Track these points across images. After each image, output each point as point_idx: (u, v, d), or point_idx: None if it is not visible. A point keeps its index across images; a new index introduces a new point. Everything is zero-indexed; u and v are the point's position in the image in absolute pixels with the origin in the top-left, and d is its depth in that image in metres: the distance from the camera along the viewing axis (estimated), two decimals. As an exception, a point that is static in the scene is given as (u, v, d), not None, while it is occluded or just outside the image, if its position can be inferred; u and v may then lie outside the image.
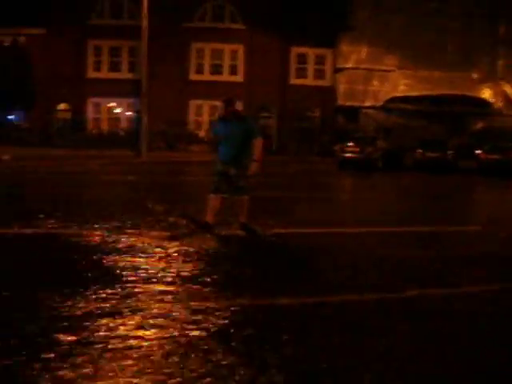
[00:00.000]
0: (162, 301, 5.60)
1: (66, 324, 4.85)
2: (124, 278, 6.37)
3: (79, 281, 6.20)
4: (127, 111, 46.22)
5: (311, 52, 47.27)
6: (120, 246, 8.10)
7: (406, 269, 7.55)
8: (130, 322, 4.96)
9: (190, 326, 4.90)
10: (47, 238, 8.74)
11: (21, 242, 8.57)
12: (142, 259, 7.32)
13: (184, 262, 7.31)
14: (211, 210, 9.49)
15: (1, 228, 9.35)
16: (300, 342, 4.70)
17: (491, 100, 48.59)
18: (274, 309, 5.63)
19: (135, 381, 3.83)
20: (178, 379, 3.88)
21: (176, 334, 4.74)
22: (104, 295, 5.69)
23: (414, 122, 44.75)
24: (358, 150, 31.07)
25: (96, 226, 9.62)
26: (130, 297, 5.70)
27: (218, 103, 10.04)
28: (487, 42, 46.56)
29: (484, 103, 48.28)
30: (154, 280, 6.34)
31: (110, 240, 8.48)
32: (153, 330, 4.79)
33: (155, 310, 5.30)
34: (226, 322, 5.09)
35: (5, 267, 6.88)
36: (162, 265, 7.06)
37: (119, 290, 5.91)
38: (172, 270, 6.80)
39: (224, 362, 4.17)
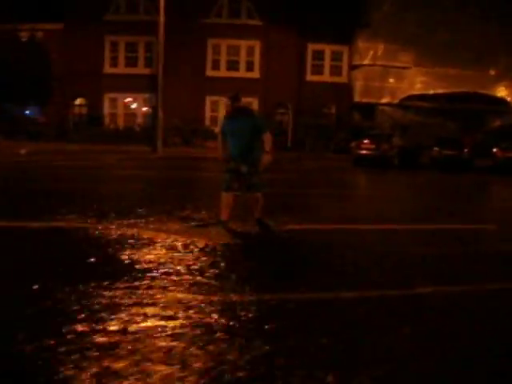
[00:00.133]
0: (182, 292, 5.69)
1: (94, 315, 4.97)
2: (144, 271, 6.46)
3: (103, 274, 6.32)
4: (143, 107, 46.37)
5: (328, 48, 47.19)
6: (138, 239, 8.19)
7: (420, 266, 7.57)
8: (156, 313, 5.08)
9: (214, 318, 4.97)
10: (68, 232, 8.85)
11: (41, 235, 8.67)
12: (160, 253, 7.41)
13: (200, 256, 7.38)
14: (225, 208, 9.53)
15: (23, 222, 9.45)
16: (305, 337, 4.76)
17: (507, 98, 48.30)
18: (292, 303, 5.68)
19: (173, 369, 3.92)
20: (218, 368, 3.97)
21: (200, 323, 4.81)
22: (130, 287, 5.83)
23: (431, 119, 44.56)
24: (373, 147, 30.99)
25: (115, 220, 9.72)
26: (153, 289, 5.82)
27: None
28: (504, 40, 46.23)
29: (500, 101, 47.97)
30: (173, 273, 6.42)
31: (129, 234, 8.58)
32: (179, 321, 4.89)
33: (177, 302, 5.40)
34: (248, 315, 5.16)
35: (28, 260, 6.99)
36: (179, 258, 7.13)
37: (143, 282, 6.01)
38: (189, 264, 6.88)
39: (255, 353, 4.24)
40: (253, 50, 46.57)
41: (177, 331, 4.70)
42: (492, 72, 47.45)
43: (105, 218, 9.94)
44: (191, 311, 5.19)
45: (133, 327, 4.76)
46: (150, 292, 5.72)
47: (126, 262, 6.95)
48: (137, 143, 38.02)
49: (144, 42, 45.58)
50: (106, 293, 5.61)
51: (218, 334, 4.67)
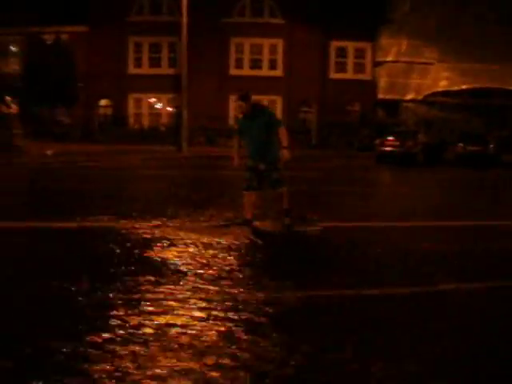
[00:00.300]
0: (213, 289, 5.80)
1: (128, 309, 5.11)
2: (172, 269, 6.59)
3: (134, 271, 6.49)
4: (168, 106, 46.61)
5: (351, 46, 47.13)
6: (164, 238, 8.31)
7: (443, 263, 7.59)
8: (188, 307, 5.22)
9: (239, 315, 5.08)
10: (99, 232, 9.01)
11: (72, 235, 8.84)
12: (186, 251, 7.53)
13: (226, 255, 7.48)
14: (248, 207, 9.60)
15: (53, 222, 9.64)
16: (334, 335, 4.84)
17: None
18: (319, 299, 5.76)
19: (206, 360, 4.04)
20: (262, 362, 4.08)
21: (229, 319, 4.92)
22: (161, 285, 5.97)
23: (455, 115, 44.34)
24: (398, 143, 30.82)
25: (141, 219, 9.85)
26: (184, 285, 5.97)
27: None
28: (529, 34, 45.87)
29: (526, 96, 47.59)
30: (200, 271, 6.53)
31: (155, 233, 8.72)
32: (213, 314, 5.00)
33: (208, 298, 5.52)
34: (276, 312, 5.26)
35: (66, 259, 7.17)
36: (205, 257, 7.25)
37: (173, 280, 6.15)
38: (215, 262, 6.99)
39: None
40: (275, 49, 46.63)
41: (209, 327, 4.81)
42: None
43: (131, 217, 10.07)
44: (219, 308, 5.29)
45: (170, 321, 4.91)
46: (182, 289, 5.85)
47: (155, 260, 7.08)
48: (162, 143, 38.30)
49: (167, 43, 45.86)
50: (150, 289, 5.75)
51: (246, 331, 4.77)
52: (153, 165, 25.21)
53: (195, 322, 4.92)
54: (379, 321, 5.23)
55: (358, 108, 47.42)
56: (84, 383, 3.77)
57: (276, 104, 45.24)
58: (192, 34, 35.33)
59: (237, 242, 8.26)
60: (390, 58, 46.65)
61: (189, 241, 8.24)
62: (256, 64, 46.74)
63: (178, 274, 6.43)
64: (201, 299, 5.54)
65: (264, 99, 41.87)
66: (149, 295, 5.62)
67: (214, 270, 6.68)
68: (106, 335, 4.55)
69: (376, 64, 46.96)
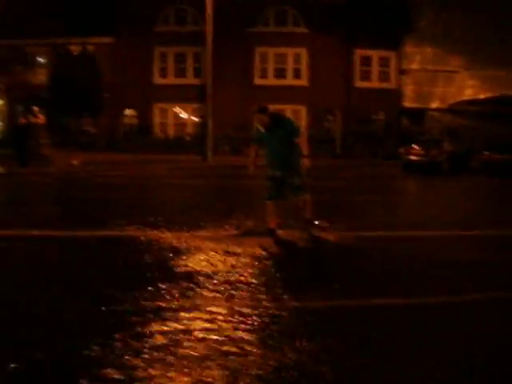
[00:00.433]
0: (236, 298, 5.87)
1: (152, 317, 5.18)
2: (196, 278, 6.66)
3: (159, 279, 6.57)
4: (193, 116, 46.83)
5: (375, 54, 46.98)
6: (189, 247, 8.40)
7: (466, 272, 7.57)
8: (209, 317, 5.29)
9: (260, 323, 5.13)
10: (125, 241, 9.13)
11: (100, 244, 8.96)
12: (210, 260, 7.61)
13: (249, 264, 7.53)
14: (271, 216, 9.69)
15: (80, 231, 9.78)
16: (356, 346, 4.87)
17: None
18: (343, 311, 5.80)
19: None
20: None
21: (250, 328, 4.98)
22: (185, 293, 6.06)
23: (481, 123, 44.03)
24: (423, 152, 30.59)
25: (166, 228, 9.94)
26: (206, 293, 6.03)
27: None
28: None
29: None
30: (225, 279, 6.60)
31: (180, 242, 8.81)
32: (232, 323, 5.06)
33: (232, 306, 5.59)
34: (297, 321, 5.30)
35: (92, 268, 7.29)
36: (230, 265, 7.32)
37: (197, 288, 6.21)
38: (239, 271, 7.05)
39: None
40: (299, 58, 46.63)
41: (233, 335, 4.87)
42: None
43: (156, 226, 10.18)
44: (242, 316, 5.35)
45: (195, 328, 4.99)
46: (205, 296, 5.92)
47: (180, 269, 7.16)
48: (187, 152, 38.48)
49: (192, 53, 46.06)
50: (168, 296, 5.83)
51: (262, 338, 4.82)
52: (178, 174, 25.35)
53: (218, 330, 4.99)
54: (406, 331, 5.25)
55: (382, 117, 47.21)
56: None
57: (300, 113, 45.23)
58: (217, 43, 35.51)
59: (260, 252, 8.31)
60: (414, 67, 46.54)
61: (213, 250, 8.31)
62: (280, 73, 46.78)
63: (203, 283, 6.50)
64: (224, 307, 5.61)
65: (288, 108, 41.93)
66: (174, 303, 5.70)
67: (236, 278, 6.73)
68: (135, 343, 4.64)
69: (401, 72, 46.83)
